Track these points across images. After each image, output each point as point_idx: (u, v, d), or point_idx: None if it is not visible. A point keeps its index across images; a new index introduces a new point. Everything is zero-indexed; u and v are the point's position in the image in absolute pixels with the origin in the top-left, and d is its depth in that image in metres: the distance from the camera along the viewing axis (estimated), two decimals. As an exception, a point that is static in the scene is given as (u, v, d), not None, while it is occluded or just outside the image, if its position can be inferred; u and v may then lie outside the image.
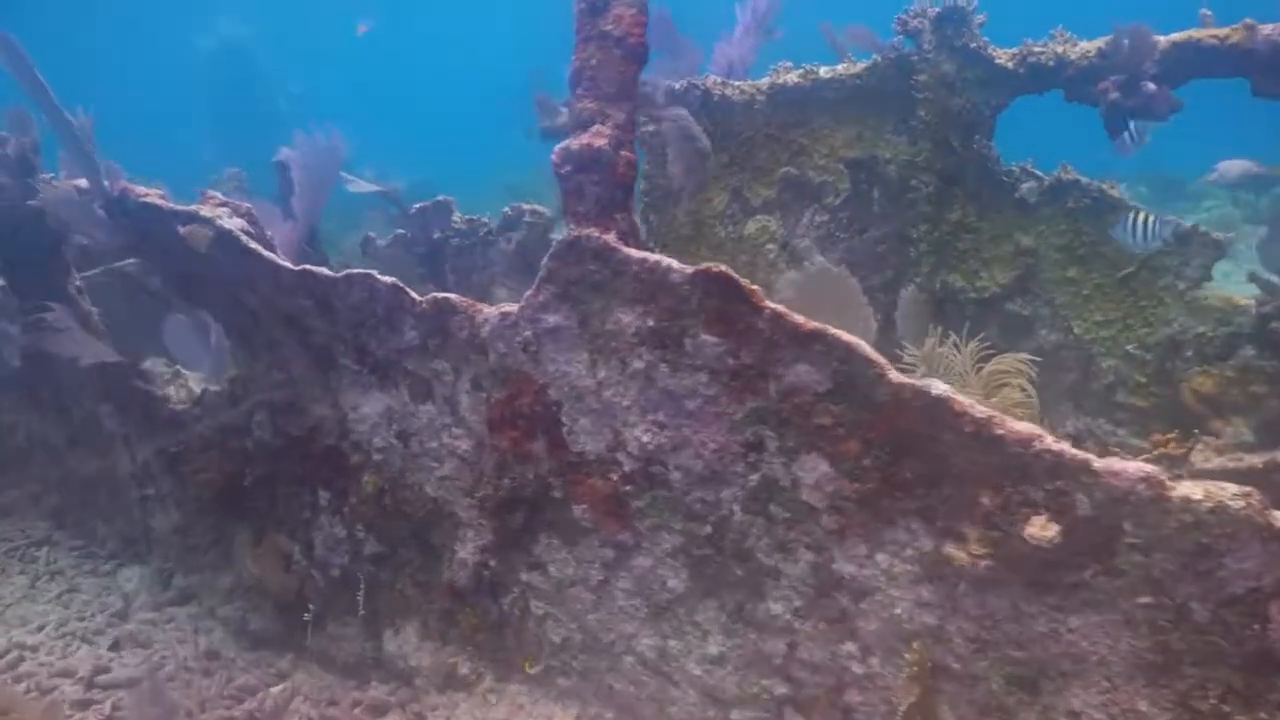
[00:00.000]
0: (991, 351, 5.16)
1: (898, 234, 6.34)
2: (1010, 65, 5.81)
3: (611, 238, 3.61)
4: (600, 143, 3.59)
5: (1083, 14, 6.44)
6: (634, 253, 3.56)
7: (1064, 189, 5.84)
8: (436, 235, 8.33)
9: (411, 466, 4.75)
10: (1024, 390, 4.69)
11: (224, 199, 4.94)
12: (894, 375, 3.17)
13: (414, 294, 4.41)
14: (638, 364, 3.69)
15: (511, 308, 4.03)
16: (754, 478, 3.58)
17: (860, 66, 6.31)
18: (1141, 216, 5.34)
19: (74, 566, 6.95)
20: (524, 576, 4.47)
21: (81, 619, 6.19)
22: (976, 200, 6.03)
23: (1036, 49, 5.77)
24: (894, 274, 6.38)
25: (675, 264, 3.47)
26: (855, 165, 6.43)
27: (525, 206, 7.99)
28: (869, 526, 3.39)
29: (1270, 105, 5.54)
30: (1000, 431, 3.01)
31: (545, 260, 3.83)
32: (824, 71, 6.42)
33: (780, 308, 3.30)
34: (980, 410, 3.04)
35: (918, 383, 3.13)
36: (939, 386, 3.09)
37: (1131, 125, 5.70)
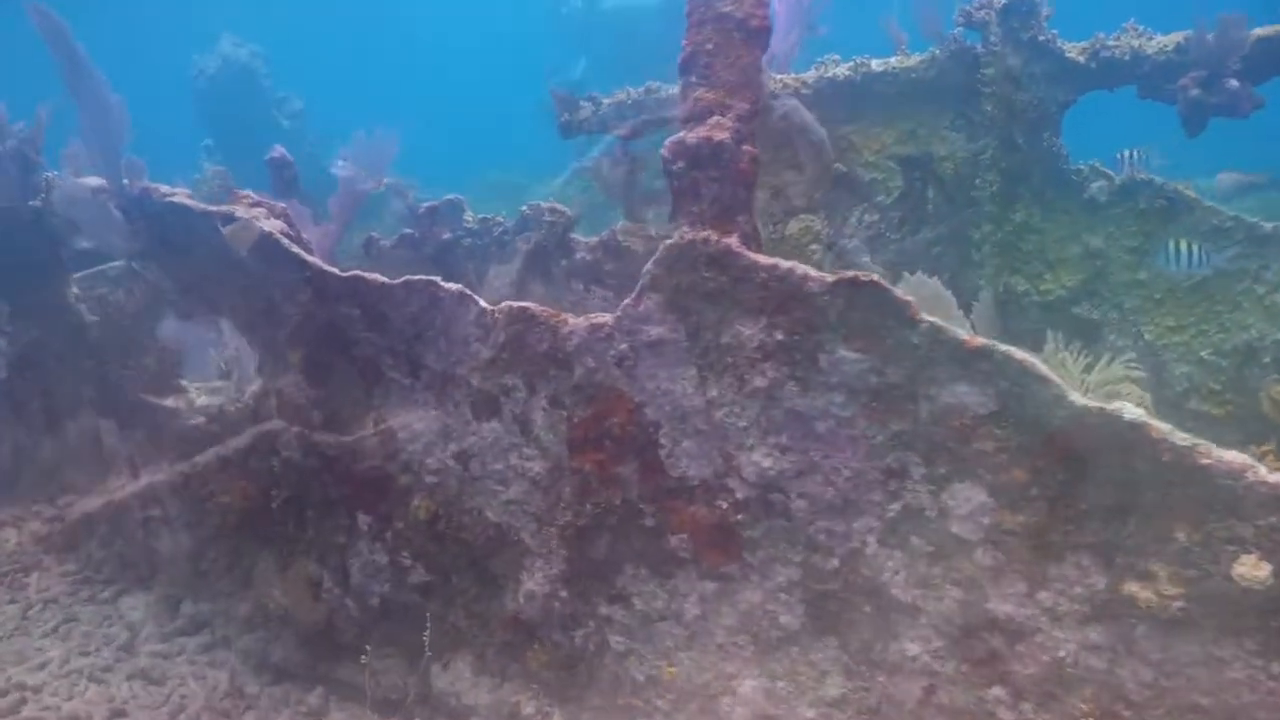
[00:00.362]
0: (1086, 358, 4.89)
1: (953, 235, 6.05)
2: (1081, 59, 5.54)
3: (733, 241, 3.25)
4: (721, 136, 3.22)
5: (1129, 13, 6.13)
6: (761, 258, 3.21)
7: (1136, 189, 5.59)
8: (447, 236, 7.89)
9: (471, 490, 4.35)
10: (1141, 400, 4.41)
11: (257, 198, 4.50)
12: (1076, 397, 2.85)
13: (484, 303, 4.02)
14: (759, 382, 3.33)
15: (604, 318, 3.65)
16: (894, 507, 3.24)
17: (915, 59, 6.01)
18: (1184, 244, 5.11)
19: (69, 593, 6.41)
20: (603, 610, 4.09)
21: (85, 653, 5.67)
22: (1041, 200, 5.76)
23: (1110, 43, 5.51)
24: (949, 277, 6.08)
25: (812, 271, 3.13)
26: (908, 163, 6.14)
27: (544, 205, 7.58)
28: (1031, 562, 3.07)
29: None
30: (1206, 461, 2.71)
31: (649, 266, 3.47)
32: (875, 64, 6.11)
33: (939, 321, 2.97)
34: (1181, 437, 2.73)
35: (1107, 406, 2.81)
36: (1131, 410, 2.78)
37: (1132, 152, 5.50)
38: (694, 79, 3.36)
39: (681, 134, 3.30)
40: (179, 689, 5.36)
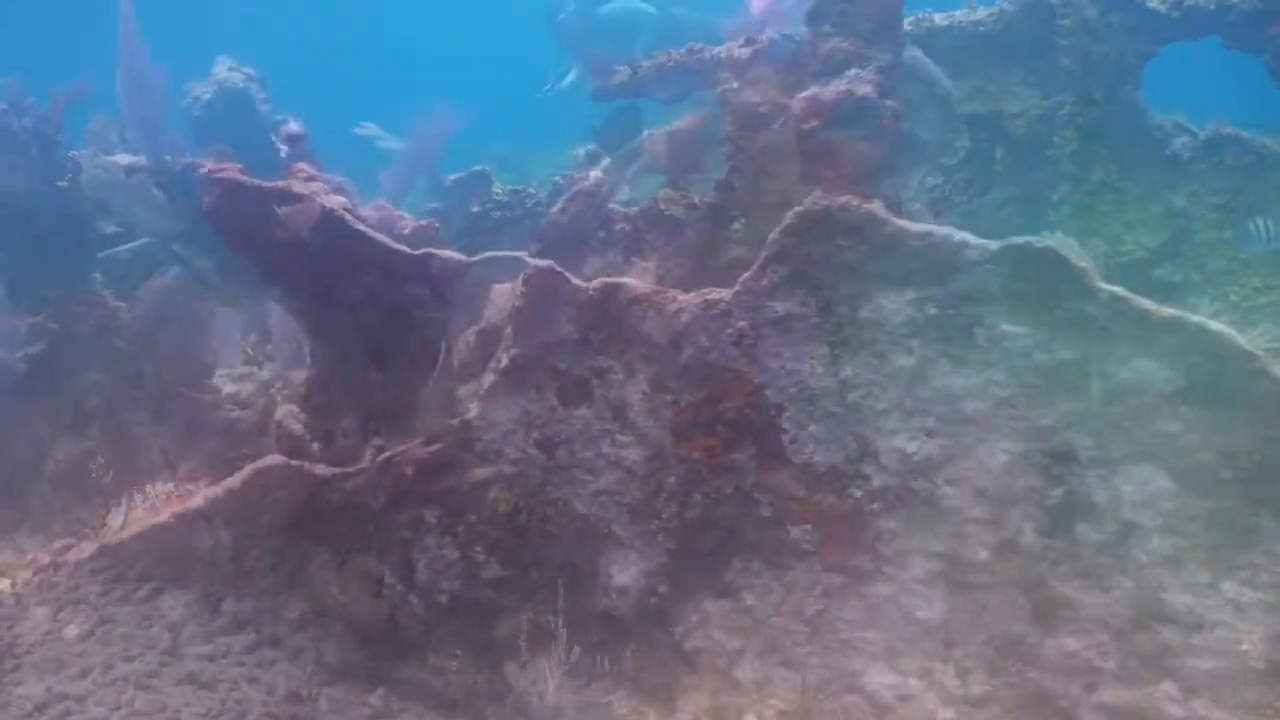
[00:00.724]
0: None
1: (1024, 196, 5.78)
2: (1162, 9, 5.27)
3: (877, 207, 2.97)
4: (864, 90, 2.93)
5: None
6: (911, 225, 2.93)
7: (1221, 144, 5.35)
8: (476, 209, 7.56)
9: (556, 480, 4.07)
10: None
11: (313, 172, 4.17)
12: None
13: (576, 279, 3.73)
14: (904, 360, 3.06)
15: (720, 294, 3.37)
16: (1056, 493, 2.99)
17: (983, 13, 5.72)
18: (1263, 222, 4.89)
19: (101, 593, 6.09)
20: (707, 605, 3.84)
21: (129, 658, 5.36)
22: (1120, 157, 5.50)
23: (1193, -10, 5.23)
24: (1019, 241, 5.83)
25: (972, 238, 2.85)
26: (976, 121, 5.85)
27: (579, 175, 7.25)
28: (1216, 550, 2.82)
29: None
30: None
31: (774, 235, 3.18)
32: (939, 18, 5.81)
33: (1120, 290, 2.71)
34: None
35: (1320, 380, 2.56)
36: (1347, 383, 2.53)
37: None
38: (827, 28, 3.06)
39: (815, 89, 3.01)
40: (233, 693, 5.07)
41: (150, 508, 6.06)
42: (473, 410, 3.85)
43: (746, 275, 3.22)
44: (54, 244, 5.25)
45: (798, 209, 3.07)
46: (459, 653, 4.78)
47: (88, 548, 6.02)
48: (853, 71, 2.93)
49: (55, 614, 5.97)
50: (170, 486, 5.92)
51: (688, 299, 3.41)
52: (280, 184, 4.07)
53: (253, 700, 5.06)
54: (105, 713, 5.05)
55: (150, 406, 5.66)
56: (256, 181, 4.13)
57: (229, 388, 6.29)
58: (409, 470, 4.25)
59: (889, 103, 2.92)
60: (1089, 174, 5.48)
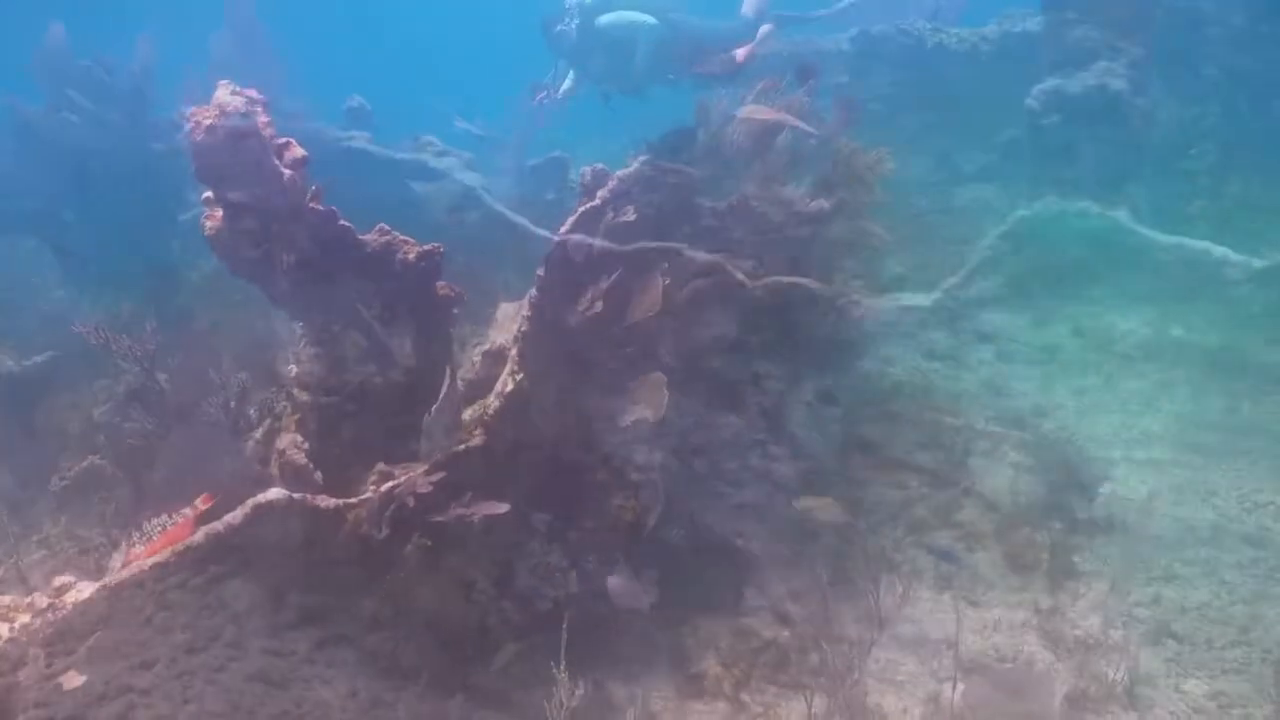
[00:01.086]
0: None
1: (1156, 208, 5.51)
2: (1319, 19, 4.98)
3: (1123, 215, 2.70)
4: (1116, 84, 2.66)
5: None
6: (1161, 236, 2.66)
7: (1372, 164, 5.05)
8: (551, 196, 7.27)
9: (690, 490, 3.79)
10: None
11: (443, 146, 3.89)
12: None
13: (741, 275, 3.45)
14: (1134, 384, 2.79)
15: (918, 299, 3.09)
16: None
17: (1122, 15, 5.42)
18: None
19: (156, 579, 5.80)
20: (851, 631, 3.57)
21: (193, 650, 5.08)
22: (1262, 171, 5.21)
23: (1355, 0, 4.94)
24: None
25: (1233, 254, 2.59)
26: (1104, 129, 5.57)
27: (667, 165, 6.95)
28: None
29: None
30: None
31: (990, 240, 2.91)
32: (1072, 18, 5.52)
33: None
34: None
35: None
36: None
37: None
38: (1070, 14, 2.78)
39: (1057, 81, 2.72)
40: (306, 693, 4.79)
41: (150, 543, 5.72)
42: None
43: (952, 281, 2.96)
44: (137, 209, 4.95)
45: (1021, 212, 2.79)
46: (554, 665, 4.50)
47: (86, 588, 5.68)
48: (1101, 63, 2.64)
49: (114, 599, 5.68)
50: (165, 517, 5.60)
51: (876, 303, 3.13)
52: (414, 156, 3.78)
53: (329, 703, 4.77)
54: (174, 712, 4.76)
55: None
56: (388, 151, 3.85)
57: (291, 369, 6.00)
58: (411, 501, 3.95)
59: (1140, 100, 2.64)
60: (1226, 188, 5.19)
